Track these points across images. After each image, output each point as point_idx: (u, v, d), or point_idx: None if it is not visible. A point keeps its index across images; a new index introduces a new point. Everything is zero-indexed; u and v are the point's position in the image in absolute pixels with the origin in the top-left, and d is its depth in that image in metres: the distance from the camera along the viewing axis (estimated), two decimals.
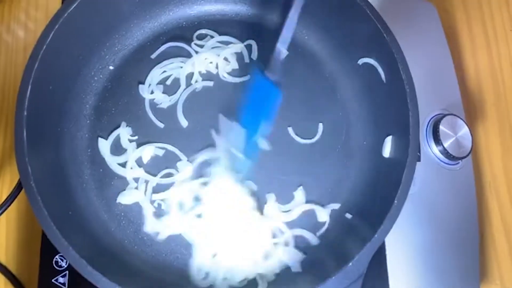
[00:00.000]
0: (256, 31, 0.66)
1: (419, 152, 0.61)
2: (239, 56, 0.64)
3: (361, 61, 0.61)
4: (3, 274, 0.61)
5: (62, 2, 0.66)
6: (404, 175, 0.50)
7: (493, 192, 0.69)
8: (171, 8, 0.65)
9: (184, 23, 0.65)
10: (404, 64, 0.53)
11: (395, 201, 0.49)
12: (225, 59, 0.64)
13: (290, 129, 0.61)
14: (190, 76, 0.63)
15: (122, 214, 0.57)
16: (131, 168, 0.58)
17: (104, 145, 0.59)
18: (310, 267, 0.54)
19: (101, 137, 0.59)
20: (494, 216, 0.68)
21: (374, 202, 0.55)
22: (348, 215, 0.58)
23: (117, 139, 0.59)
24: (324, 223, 0.58)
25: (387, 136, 0.58)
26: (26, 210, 0.63)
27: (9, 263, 0.62)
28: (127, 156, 0.58)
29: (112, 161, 0.58)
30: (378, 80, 0.58)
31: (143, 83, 0.62)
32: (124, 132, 0.59)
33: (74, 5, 0.52)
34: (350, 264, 0.47)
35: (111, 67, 0.62)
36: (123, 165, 0.58)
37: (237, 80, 0.63)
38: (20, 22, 0.73)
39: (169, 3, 0.64)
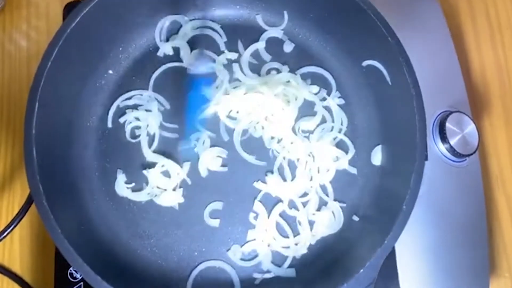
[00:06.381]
0: None
1: (426, 151, 0.59)
2: None
3: (365, 63, 0.60)
4: (20, 285, 0.61)
5: (63, 11, 0.65)
6: (412, 180, 0.49)
7: (501, 186, 0.68)
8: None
9: None
10: (410, 66, 0.53)
11: (404, 207, 0.49)
12: None
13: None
14: None
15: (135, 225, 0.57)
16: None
17: None
18: (320, 274, 0.54)
19: None
20: (502, 209, 0.67)
21: (382, 206, 0.55)
22: (355, 218, 0.58)
23: None
24: None
25: (388, 142, 0.58)
26: (39, 222, 0.63)
27: (24, 274, 0.62)
28: None
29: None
30: (383, 81, 0.57)
31: None
32: None
33: (76, 21, 0.52)
34: (362, 270, 0.47)
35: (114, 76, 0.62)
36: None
37: None
38: (22, 32, 0.72)
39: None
